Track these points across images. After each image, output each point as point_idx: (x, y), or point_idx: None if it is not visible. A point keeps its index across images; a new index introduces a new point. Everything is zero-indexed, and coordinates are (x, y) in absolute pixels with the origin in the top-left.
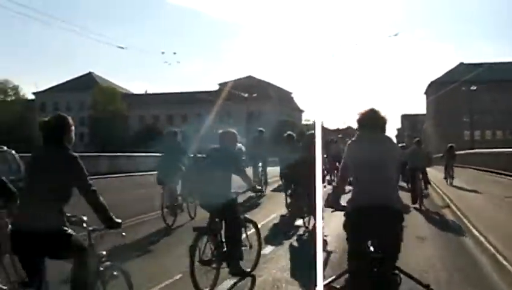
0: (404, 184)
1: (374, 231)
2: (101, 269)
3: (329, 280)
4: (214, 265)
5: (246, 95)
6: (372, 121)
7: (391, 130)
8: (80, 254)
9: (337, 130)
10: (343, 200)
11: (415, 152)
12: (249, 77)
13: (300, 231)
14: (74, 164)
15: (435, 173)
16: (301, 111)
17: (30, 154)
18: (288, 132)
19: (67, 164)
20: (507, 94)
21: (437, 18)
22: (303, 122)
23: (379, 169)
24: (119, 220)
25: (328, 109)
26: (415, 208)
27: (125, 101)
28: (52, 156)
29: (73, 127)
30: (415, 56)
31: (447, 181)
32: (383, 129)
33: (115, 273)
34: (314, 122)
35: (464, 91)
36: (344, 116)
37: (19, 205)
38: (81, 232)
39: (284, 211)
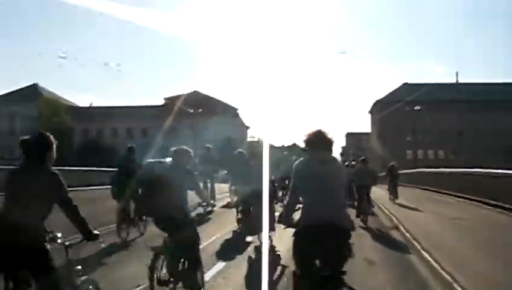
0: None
1: (322, 249)
2: (78, 283)
3: None
4: (171, 285)
5: (192, 110)
6: (319, 142)
7: (336, 148)
8: (51, 273)
9: (283, 147)
10: (296, 217)
11: (361, 171)
12: (195, 92)
13: (252, 247)
14: (57, 181)
15: (379, 191)
16: (247, 127)
17: (9, 171)
18: (239, 150)
19: (50, 181)
20: (448, 114)
21: (380, 38)
22: (248, 139)
23: (326, 189)
24: (97, 232)
25: (273, 126)
26: (362, 227)
27: (71, 114)
28: (35, 173)
29: (54, 145)
30: (360, 75)
31: (391, 199)
32: (330, 150)
33: (90, 287)
34: (259, 139)
35: (407, 111)
36: (290, 133)
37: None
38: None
39: (235, 226)
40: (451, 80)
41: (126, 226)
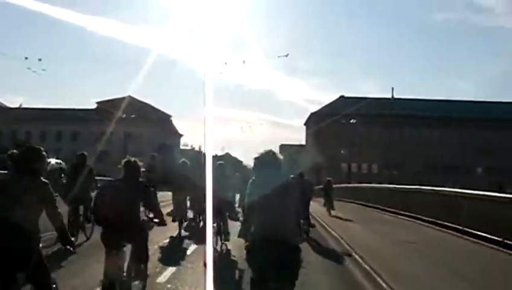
0: None
1: (272, 262)
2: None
3: None
4: None
5: (125, 115)
6: (269, 161)
7: None
8: (47, 275)
9: (216, 156)
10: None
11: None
12: (129, 97)
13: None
14: (48, 190)
15: (315, 205)
16: (180, 135)
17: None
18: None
19: (42, 191)
20: (383, 129)
21: (317, 51)
22: (181, 146)
23: (277, 206)
24: (73, 239)
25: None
26: None
27: None
28: (27, 184)
29: (46, 158)
30: (296, 86)
31: (329, 213)
32: (279, 168)
33: (53, 285)
34: (193, 147)
35: (343, 124)
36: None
37: None
38: None
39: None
40: (387, 95)
41: (76, 231)
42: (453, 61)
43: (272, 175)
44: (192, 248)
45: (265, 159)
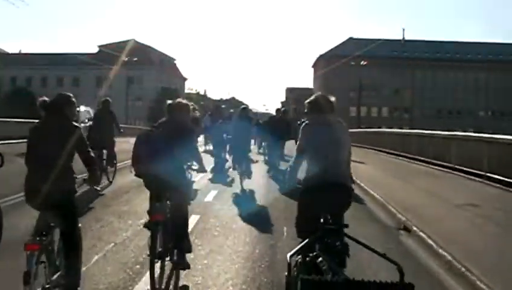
0: None
1: (326, 205)
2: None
3: (294, 251)
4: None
5: (126, 59)
6: (322, 104)
7: (276, 103)
8: (73, 216)
9: (221, 100)
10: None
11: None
12: (132, 41)
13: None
14: (79, 133)
15: None
16: (184, 79)
17: (34, 126)
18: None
19: (74, 133)
20: (394, 71)
21: None
22: (186, 90)
23: (333, 150)
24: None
25: (212, 78)
26: None
27: None
28: (60, 127)
29: (75, 104)
30: (304, 28)
31: None
32: (333, 112)
33: None
34: (198, 91)
35: (352, 66)
36: (228, 86)
37: (32, 166)
38: None
39: None
40: (397, 36)
41: (100, 174)
42: (464, 3)
43: (326, 119)
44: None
45: (317, 103)
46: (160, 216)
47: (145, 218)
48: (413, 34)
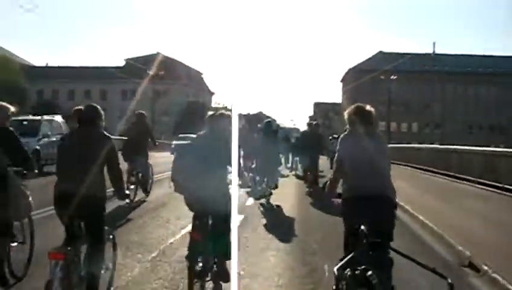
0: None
1: (371, 217)
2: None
3: (340, 264)
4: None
5: (152, 72)
6: (363, 116)
7: (303, 118)
8: (101, 226)
9: (249, 115)
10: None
11: None
12: (158, 54)
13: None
14: (111, 144)
15: None
16: (212, 93)
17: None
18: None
19: (106, 144)
20: (424, 85)
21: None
22: (213, 104)
23: (374, 161)
24: (128, 192)
25: (239, 92)
26: None
27: (24, 73)
28: (92, 137)
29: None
30: (332, 42)
31: None
32: (373, 123)
33: (111, 237)
34: (225, 106)
35: (382, 80)
36: (255, 101)
37: (62, 175)
38: None
39: None
40: (427, 50)
41: (135, 187)
42: (495, 18)
43: (366, 130)
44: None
45: (357, 115)
46: (199, 235)
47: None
48: (444, 47)
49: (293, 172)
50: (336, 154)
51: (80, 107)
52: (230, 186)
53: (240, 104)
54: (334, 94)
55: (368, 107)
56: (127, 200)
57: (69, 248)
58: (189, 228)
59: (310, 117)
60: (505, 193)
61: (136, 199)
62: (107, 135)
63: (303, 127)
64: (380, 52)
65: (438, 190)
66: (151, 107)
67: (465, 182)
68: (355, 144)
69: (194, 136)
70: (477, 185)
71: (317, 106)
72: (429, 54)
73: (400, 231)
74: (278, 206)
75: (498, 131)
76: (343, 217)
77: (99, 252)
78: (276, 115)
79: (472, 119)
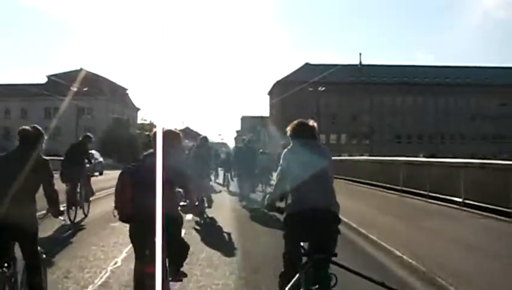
0: None
1: (314, 233)
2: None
3: (289, 287)
4: None
5: (76, 89)
6: (305, 130)
7: (231, 132)
8: (36, 245)
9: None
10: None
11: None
12: (81, 70)
13: None
14: (48, 166)
15: None
16: (137, 109)
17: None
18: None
19: (42, 166)
20: (352, 97)
21: (280, 18)
22: (139, 121)
23: (319, 175)
24: (63, 209)
25: (165, 108)
26: None
27: None
28: (29, 159)
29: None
30: (258, 55)
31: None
32: (315, 137)
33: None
34: (151, 122)
35: (309, 93)
36: (182, 116)
37: None
38: None
39: None
40: (353, 62)
41: (74, 208)
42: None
43: (309, 144)
44: None
45: (301, 129)
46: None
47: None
48: (369, 58)
49: (225, 188)
50: (279, 168)
51: (25, 127)
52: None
53: (166, 119)
54: (262, 107)
55: (311, 122)
56: (63, 219)
57: (5, 270)
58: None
59: (238, 132)
60: (463, 208)
61: (77, 219)
62: (44, 158)
63: (230, 142)
64: (307, 64)
65: (390, 206)
66: (75, 124)
67: (417, 197)
68: (299, 158)
69: None
70: (430, 201)
71: (244, 119)
72: (356, 65)
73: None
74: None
75: (428, 140)
76: (286, 233)
77: (37, 270)
78: (203, 130)
79: (400, 130)
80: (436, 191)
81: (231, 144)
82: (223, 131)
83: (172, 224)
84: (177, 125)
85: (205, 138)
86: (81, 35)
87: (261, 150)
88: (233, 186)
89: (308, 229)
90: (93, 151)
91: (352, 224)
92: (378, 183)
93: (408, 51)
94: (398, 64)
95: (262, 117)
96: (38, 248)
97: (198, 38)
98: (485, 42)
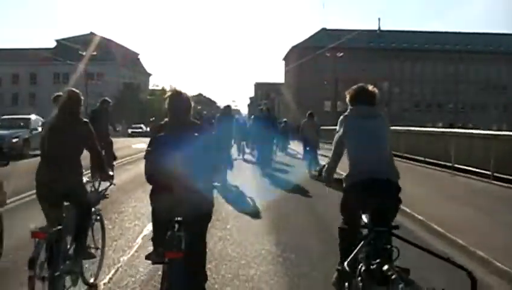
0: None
1: (375, 203)
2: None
3: (350, 257)
4: None
5: (84, 53)
6: (366, 95)
7: (244, 99)
8: (85, 202)
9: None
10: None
11: (309, 123)
12: (91, 34)
13: None
14: (89, 128)
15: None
16: (149, 74)
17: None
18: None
19: (84, 129)
20: (370, 62)
21: None
22: (151, 86)
23: (378, 143)
24: (112, 173)
25: (177, 73)
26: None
27: None
28: (71, 123)
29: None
30: (272, 20)
31: (308, 168)
32: (375, 104)
33: (98, 217)
34: (163, 88)
35: (326, 59)
36: (195, 82)
37: (45, 164)
38: None
39: None
40: (372, 27)
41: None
42: None
43: (368, 111)
44: None
45: (361, 94)
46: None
47: None
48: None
49: (240, 156)
50: (337, 136)
51: (59, 93)
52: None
53: (178, 85)
54: (276, 74)
55: (371, 88)
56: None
57: (57, 228)
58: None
59: (251, 98)
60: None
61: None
62: (85, 120)
63: (243, 108)
64: (323, 29)
65: (444, 186)
66: (84, 89)
67: (481, 178)
68: (359, 125)
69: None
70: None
71: (258, 86)
72: (375, 31)
73: None
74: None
75: (447, 108)
76: (343, 204)
77: (84, 226)
78: (216, 96)
79: (419, 98)
80: (501, 171)
81: (244, 111)
82: (237, 97)
83: (204, 221)
84: (189, 92)
85: (229, 106)
86: None
87: (283, 119)
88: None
89: (367, 200)
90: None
91: (418, 216)
92: (419, 158)
93: (428, 17)
94: (419, 30)
95: (276, 84)
96: (93, 209)
97: (213, 2)
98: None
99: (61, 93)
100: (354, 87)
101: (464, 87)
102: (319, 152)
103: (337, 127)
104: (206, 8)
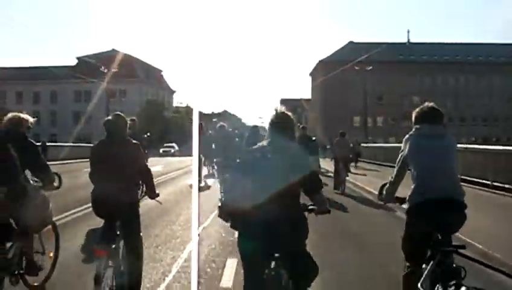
0: None
1: (441, 224)
2: None
3: (423, 278)
4: None
5: (106, 70)
6: (435, 115)
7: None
8: (137, 222)
9: (213, 114)
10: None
11: (341, 142)
12: (113, 51)
13: None
14: (140, 149)
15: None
16: (172, 91)
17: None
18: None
19: (135, 150)
20: (400, 76)
21: None
22: (175, 104)
23: (443, 162)
24: (158, 192)
25: (202, 90)
26: None
27: None
28: (124, 145)
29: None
30: (298, 35)
31: (338, 188)
32: (442, 123)
33: None
34: (188, 105)
35: (353, 73)
36: (219, 99)
37: (99, 182)
38: None
39: None
40: (401, 39)
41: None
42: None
43: (436, 130)
44: None
45: (428, 113)
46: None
47: None
48: (415, 37)
49: None
50: (400, 155)
51: (109, 118)
52: None
53: (203, 102)
54: (303, 89)
55: (437, 107)
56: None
57: (112, 245)
58: None
59: None
60: None
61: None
62: (134, 141)
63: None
64: (351, 42)
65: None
66: (106, 107)
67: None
68: (425, 143)
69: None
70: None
71: (284, 102)
72: (404, 43)
73: None
74: None
75: (481, 122)
76: (407, 222)
77: (137, 246)
78: (242, 113)
79: (452, 111)
80: None
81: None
82: (262, 114)
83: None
84: (214, 109)
85: (256, 127)
86: (112, 15)
87: (313, 138)
88: None
89: (433, 220)
90: None
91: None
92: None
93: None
94: (450, 42)
95: (302, 99)
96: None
97: (237, 19)
98: None
99: (110, 117)
100: (425, 105)
101: (497, 100)
102: (349, 174)
103: (402, 146)
104: (231, 24)
